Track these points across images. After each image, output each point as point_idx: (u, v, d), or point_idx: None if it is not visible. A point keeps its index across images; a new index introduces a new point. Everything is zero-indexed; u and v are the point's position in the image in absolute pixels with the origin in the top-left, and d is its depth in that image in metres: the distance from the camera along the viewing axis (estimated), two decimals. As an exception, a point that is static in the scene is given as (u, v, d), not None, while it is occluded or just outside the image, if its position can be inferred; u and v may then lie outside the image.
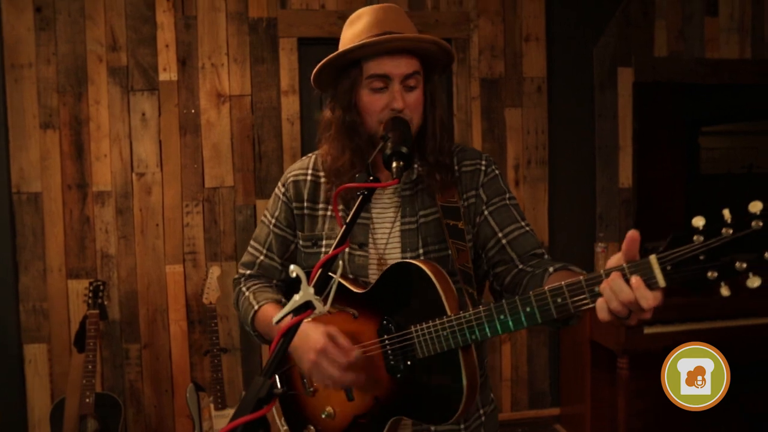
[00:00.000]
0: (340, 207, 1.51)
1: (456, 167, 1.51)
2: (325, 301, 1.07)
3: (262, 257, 1.63)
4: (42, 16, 3.33)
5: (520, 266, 1.43)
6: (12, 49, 3.30)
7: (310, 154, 1.63)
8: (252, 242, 1.67)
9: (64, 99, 3.37)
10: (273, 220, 1.62)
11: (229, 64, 3.49)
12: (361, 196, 1.27)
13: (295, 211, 1.57)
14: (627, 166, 3.85)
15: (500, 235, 1.47)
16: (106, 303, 3.22)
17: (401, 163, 1.29)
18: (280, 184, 1.62)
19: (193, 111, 3.47)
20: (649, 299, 1.04)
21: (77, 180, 3.38)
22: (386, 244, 1.50)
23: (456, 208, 1.45)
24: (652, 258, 1.05)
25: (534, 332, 3.80)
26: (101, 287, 3.16)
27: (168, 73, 3.44)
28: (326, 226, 1.53)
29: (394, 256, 1.49)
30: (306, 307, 1.05)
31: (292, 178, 1.59)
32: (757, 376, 3.40)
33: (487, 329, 1.25)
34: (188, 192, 3.48)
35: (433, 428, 1.49)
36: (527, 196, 3.77)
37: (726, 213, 0.98)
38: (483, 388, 1.56)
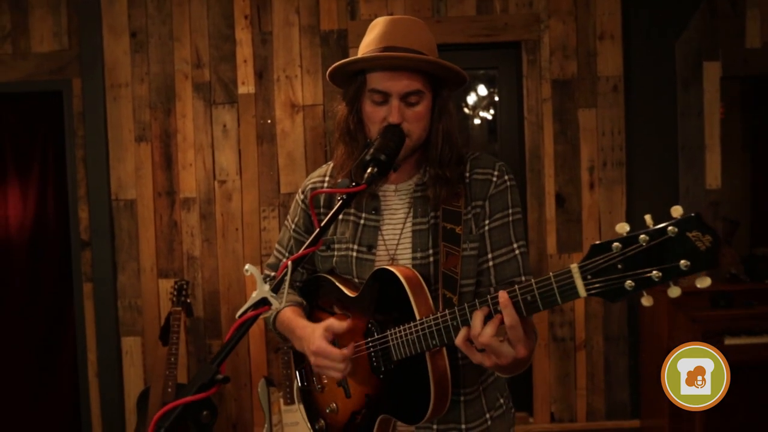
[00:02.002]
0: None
1: (467, 174, 1.49)
2: (279, 297, 1.11)
3: (284, 260, 1.67)
4: (137, 40, 3.60)
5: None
6: (111, 70, 3.59)
7: (329, 162, 1.65)
8: (277, 245, 1.72)
9: (155, 114, 3.61)
10: (293, 226, 1.65)
11: (302, 75, 3.60)
12: (340, 201, 1.28)
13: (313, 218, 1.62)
14: (715, 166, 3.55)
15: (490, 256, 1.47)
16: (190, 301, 3.40)
17: (375, 170, 1.30)
18: (300, 191, 1.65)
19: (269, 121, 3.60)
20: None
21: (166, 188, 3.62)
22: (397, 244, 1.50)
23: (457, 213, 1.45)
24: (574, 267, 1.01)
25: (611, 340, 3.58)
26: (185, 286, 3.35)
27: (246, 86, 3.60)
28: (338, 230, 1.55)
29: (404, 256, 1.49)
30: (263, 303, 1.09)
31: (310, 186, 1.62)
32: None
33: (444, 335, 1.26)
34: (265, 198, 3.61)
35: (435, 427, 1.48)
36: (602, 200, 3.59)
37: (648, 219, 0.94)
38: (489, 391, 1.53)
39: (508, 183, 1.49)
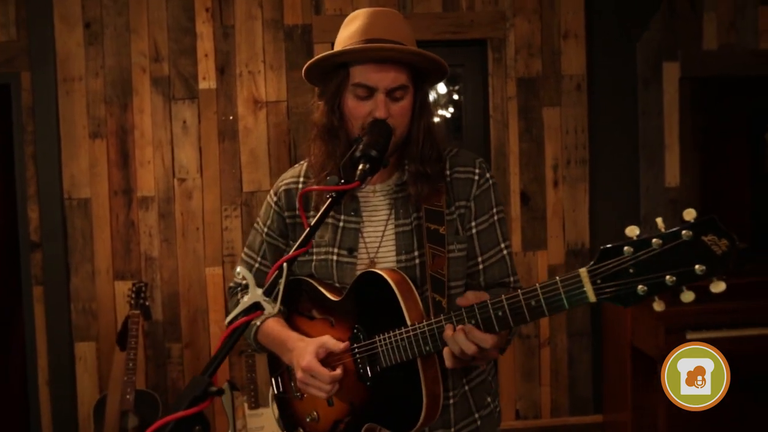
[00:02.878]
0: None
1: (447, 171, 1.45)
2: (274, 301, 1.04)
3: (257, 265, 1.58)
4: (91, 31, 3.42)
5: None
6: (64, 63, 3.41)
7: (301, 162, 1.58)
8: (246, 250, 1.62)
9: (111, 109, 3.45)
10: (265, 229, 1.57)
11: (266, 71, 3.49)
12: (329, 199, 1.21)
13: (288, 220, 1.53)
14: (674, 165, 3.60)
15: (480, 259, 1.45)
16: (149, 304, 3.27)
17: (367, 166, 1.24)
18: (272, 192, 1.57)
19: (231, 117, 3.48)
20: (487, 340, 1.14)
21: (123, 186, 3.45)
22: (378, 246, 1.44)
23: (439, 213, 1.40)
24: (583, 271, 0.98)
25: (575, 336, 3.60)
26: (143, 288, 3.21)
27: (207, 81, 3.47)
28: (317, 234, 1.46)
29: (388, 258, 1.43)
30: (255, 308, 1.03)
31: (284, 187, 1.54)
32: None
33: (439, 341, 1.22)
34: (227, 196, 3.49)
35: None
36: (566, 197, 3.60)
37: (659, 222, 0.90)
38: (476, 391, 1.49)
39: (491, 182, 1.46)
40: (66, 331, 3.42)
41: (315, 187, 1.35)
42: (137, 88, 3.44)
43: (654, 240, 0.88)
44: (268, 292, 1.04)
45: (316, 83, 1.47)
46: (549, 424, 3.57)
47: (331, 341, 1.34)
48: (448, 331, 1.19)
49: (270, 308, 1.03)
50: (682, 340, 2.92)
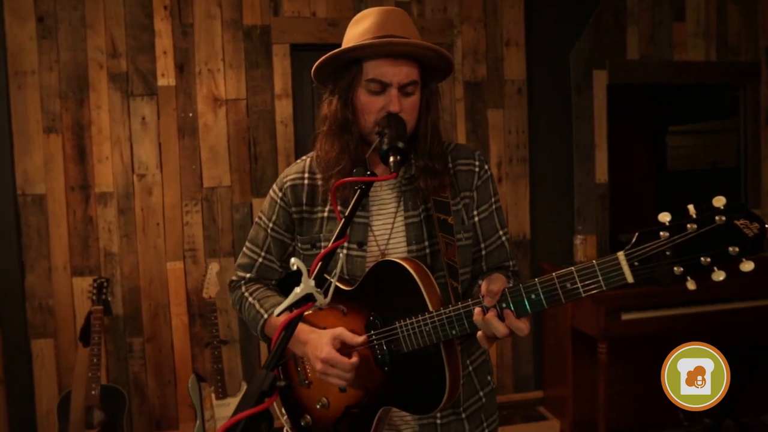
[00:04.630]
0: (339, 207, 1.44)
1: (451, 165, 1.47)
2: (325, 294, 1.03)
3: (261, 259, 1.57)
4: (44, 25, 3.26)
5: (479, 280, 1.43)
6: (15, 57, 3.23)
7: (304, 157, 1.55)
8: (248, 244, 1.60)
9: (67, 105, 3.29)
10: (270, 224, 1.54)
11: (225, 69, 3.44)
12: (358, 191, 1.22)
13: (294, 216, 1.50)
14: (603, 163, 3.84)
15: (482, 245, 1.49)
16: (110, 299, 3.17)
17: (398, 157, 1.25)
18: (276, 188, 1.54)
19: (191, 114, 3.41)
20: (523, 329, 1.16)
21: (80, 182, 3.31)
22: (389, 238, 1.44)
23: (446, 204, 1.42)
24: (620, 255, 1.02)
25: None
26: (105, 284, 3.10)
27: (166, 78, 3.38)
28: (325, 228, 1.47)
29: (398, 250, 1.43)
30: (307, 300, 1.02)
31: (289, 183, 1.51)
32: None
33: (466, 324, 1.24)
34: (187, 192, 3.42)
35: (439, 416, 1.46)
36: (509, 192, 3.76)
37: (691, 208, 0.95)
38: (479, 370, 1.54)
39: (489, 173, 1.50)
40: (22, 329, 3.26)
41: (348, 178, 1.28)
42: (94, 83, 3.31)
43: (689, 225, 0.94)
44: (318, 284, 1.03)
45: (324, 81, 1.45)
46: (495, 402, 3.74)
47: (346, 333, 1.34)
48: (478, 315, 1.20)
49: (322, 299, 1.02)
50: (618, 320, 3.17)
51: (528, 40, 3.76)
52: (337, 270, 1.08)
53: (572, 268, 1.10)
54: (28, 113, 3.25)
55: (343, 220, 1.17)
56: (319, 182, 1.48)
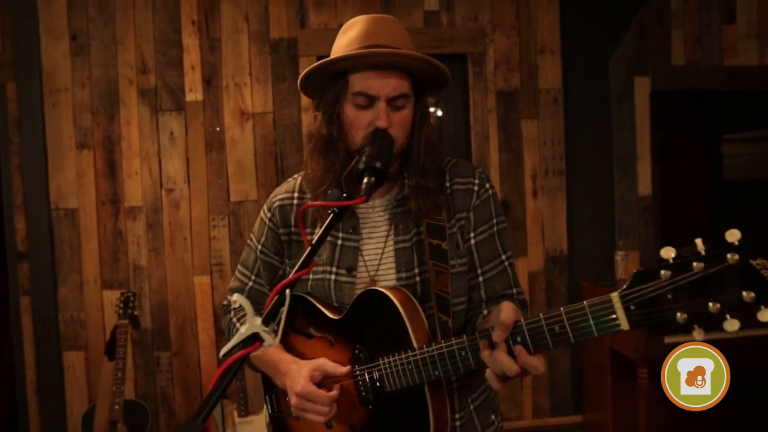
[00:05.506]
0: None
1: (448, 183, 1.35)
2: (275, 332, 0.92)
3: (251, 283, 1.48)
4: (77, 43, 3.28)
5: (484, 310, 1.30)
6: (50, 75, 3.26)
7: (296, 175, 1.47)
8: (240, 267, 1.51)
9: (98, 120, 3.30)
10: (260, 246, 1.45)
11: (252, 83, 3.38)
12: (331, 215, 1.10)
13: (283, 237, 1.41)
14: (646, 175, 3.59)
15: (479, 271, 1.35)
16: (137, 313, 3.15)
17: (372, 179, 1.14)
18: (265, 208, 1.45)
19: (218, 129, 3.37)
20: (539, 367, 0.99)
21: (110, 196, 3.31)
22: (378, 264, 1.32)
23: (441, 227, 1.29)
24: (614, 296, 0.86)
25: (554, 340, 3.56)
26: (131, 298, 3.08)
27: (194, 93, 3.35)
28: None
29: (388, 277, 1.32)
30: (254, 339, 0.91)
31: (278, 203, 1.42)
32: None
33: (450, 365, 1.10)
34: (214, 206, 3.37)
35: None
36: (545, 206, 3.55)
37: (699, 243, 0.78)
38: (481, 409, 1.40)
39: (490, 191, 1.36)
40: (54, 340, 3.28)
41: (316, 202, 1.23)
42: (124, 99, 3.31)
43: (694, 264, 0.77)
44: (267, 321, 0.92)
45: (313, 94, 1.37)
46: (531, 425, 3.52)
47: (329, 364, 1.23)
48: (485, 350, 1.05)
49: (270, 339, 0.91)
50: (661, 344, 2.92)
51: (564, 47, 3.56)
52: (285, 309, 0.94)
53: (561, 309, 0.94)
54: (61, 129, 3.28)
55: (309, 247, 1.06)
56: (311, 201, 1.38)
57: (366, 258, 1.33)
